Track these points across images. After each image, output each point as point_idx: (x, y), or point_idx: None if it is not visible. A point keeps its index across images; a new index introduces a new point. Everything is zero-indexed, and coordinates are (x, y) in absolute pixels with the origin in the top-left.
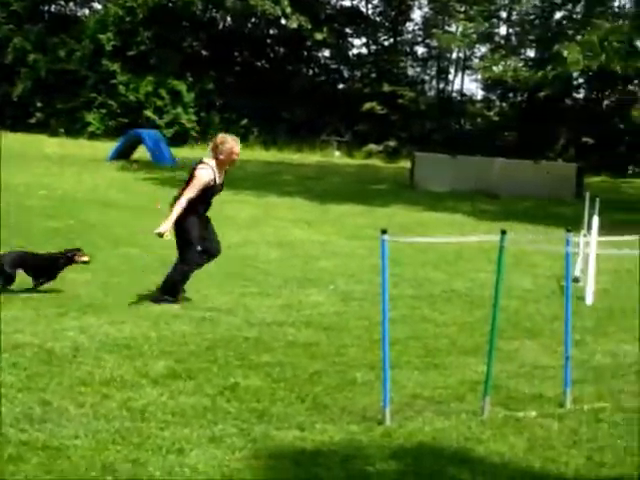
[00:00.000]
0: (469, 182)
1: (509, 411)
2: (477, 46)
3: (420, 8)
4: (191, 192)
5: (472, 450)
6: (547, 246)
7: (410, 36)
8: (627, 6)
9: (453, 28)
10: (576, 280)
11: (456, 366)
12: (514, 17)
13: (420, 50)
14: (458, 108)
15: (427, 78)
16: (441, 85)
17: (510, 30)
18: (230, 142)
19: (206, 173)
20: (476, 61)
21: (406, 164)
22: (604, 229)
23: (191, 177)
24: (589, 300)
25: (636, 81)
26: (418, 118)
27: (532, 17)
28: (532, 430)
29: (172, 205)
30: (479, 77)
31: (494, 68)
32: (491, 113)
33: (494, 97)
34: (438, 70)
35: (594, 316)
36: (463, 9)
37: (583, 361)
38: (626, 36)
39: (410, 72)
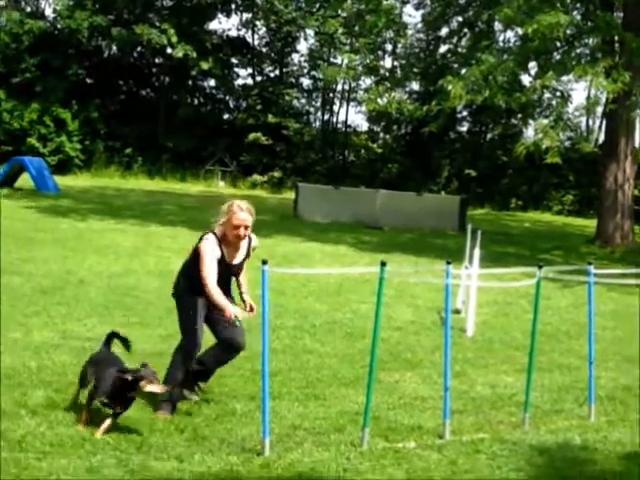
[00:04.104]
0: (352, 213)
1: (388, 442)
2: (362, 78)
3: (306, 40)
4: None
5: None
6: (428, 278)
7: (296, 67)
8: (512, 41)
9: (338, 60)
10: (457, 312)
11: (336, 397)
12: (399, 50)
13: (305, 82)
14: (342, 139)
15: (312, 109)
16: (326, 116)
17: (395, 63)
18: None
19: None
20: (361, 93)
21: (290, 195)
22: (486, 261)
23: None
24: (470, 332)
25: (519, 115)
26: (303, 149)
27: (417, 50)
28: (411, 461)
29: None
30: (364, 109)
31: (379, 100)
32: (375, 145)
33: (378, 129)
34: (323, 101)
35: (474, 347)
36: (348, 41)
37: (463, 392)
38: (510, 71)
39: (295, 103)
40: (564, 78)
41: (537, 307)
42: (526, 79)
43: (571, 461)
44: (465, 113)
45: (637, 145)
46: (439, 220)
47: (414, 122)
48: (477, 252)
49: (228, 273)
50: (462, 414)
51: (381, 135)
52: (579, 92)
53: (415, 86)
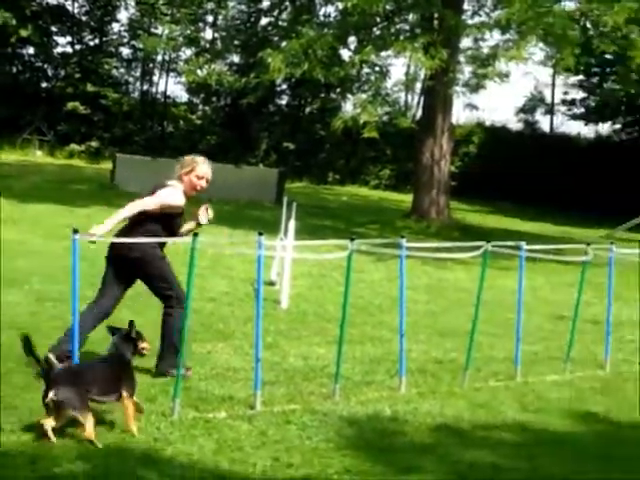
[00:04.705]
0: None
1: (199, 412)
2: (182, 49)
3: (127, 9)
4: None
5: (161, 451)
6: (242, 249)
7: (116, 37)
8: (332, 15)
9: (159, 30)
10: (272, 284)
11: (147, 368)
12: (220, 22)
13: (125, 51)
14: (161, 110)
15: (132, 79)
16: (145, 87)
17: (215, 34)
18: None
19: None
20: (181, 64)
21: (108, 165)
22: (302, 234)
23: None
24: (284, 303)
25: (338, 90)
26: (121, 119)
27: (238, 22)
28: (221, 431)
29: None
30: (183, 80)
31: (198, 72)
32: (194, 116)
33: (198, 101)
34: (143, 72)
35: (288, 319)
36: (169, 12)
37: (275, 364)
38: (329, 45)
39: (115, 73)
40: (383, 53)
41: (349, 279)
42: (346, 54)
43: (381, 432)
44: (285, 86)
45: (454, 121)
46: (257, 192)
47: (233, 94)
48: (292, 224)
49: (177, 225)
50: (274, 385)
51: (200, 107)
52: (398, 68)
53: (235, 58)
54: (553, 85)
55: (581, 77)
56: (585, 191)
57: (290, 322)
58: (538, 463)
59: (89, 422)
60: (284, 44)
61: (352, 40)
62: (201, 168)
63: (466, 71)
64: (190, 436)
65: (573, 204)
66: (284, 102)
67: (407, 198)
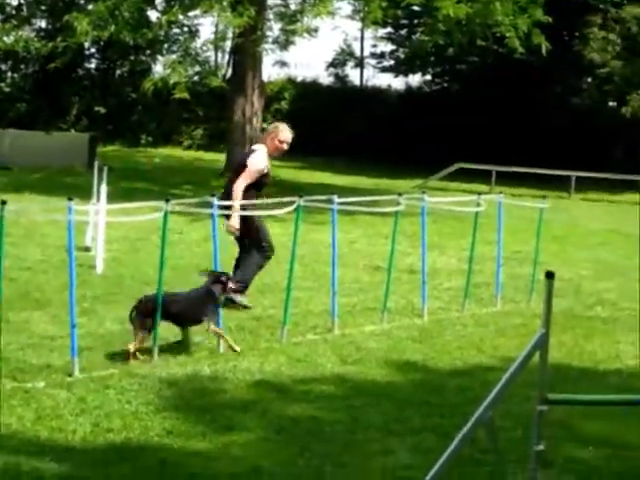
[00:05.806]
0: None
1: (17, 382)
2: None
3: None
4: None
5: None
6: (56, 216)
7: None
8: None
9: None
10: (87, 249)
11: None
12: None
13: None
14: None
15: None
16: None
17: (21, 0)
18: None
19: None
20: None
21: None
22: (115, 198)
23: (244, 165)
24: (99, 269)
25: (148, 51)
26: None
27: None
28: (40, 400)
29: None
30: None
31: (5, 39)
32: (3, 84)
33: (6, 68)
34: None
35: (105, 284)
36: None
37: (93, 329)
38: (136, 7)
39: None
40: (191, 13)
41: (165, 240)
42: (154, 15)
43: (201, 392)
44: (93, 50)
45: (265, 79)
46: (69, 158)
47: (42, 60)
48: (104, 189)
49: (266, 182)
50: (92, 351)
51: (9, 74)
52: (207, 27)
53: (42, 23)
54: (362, 39)
55: (389, 30)
56: (397, 143)
57: (106, 287)
58: (358, 414)
59: None
60: (90, 7)
61: (159, 1)
62: (283, 133)
63: (275, 28)
64: (9, 406)
65: (386, 156)
66: (93, 66)
67: (221, 157)
